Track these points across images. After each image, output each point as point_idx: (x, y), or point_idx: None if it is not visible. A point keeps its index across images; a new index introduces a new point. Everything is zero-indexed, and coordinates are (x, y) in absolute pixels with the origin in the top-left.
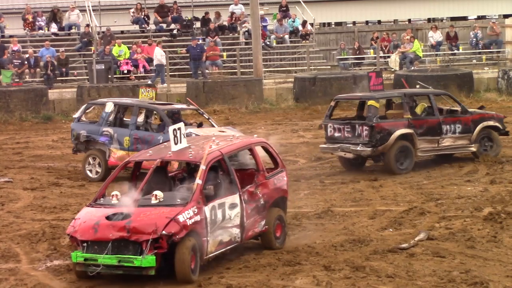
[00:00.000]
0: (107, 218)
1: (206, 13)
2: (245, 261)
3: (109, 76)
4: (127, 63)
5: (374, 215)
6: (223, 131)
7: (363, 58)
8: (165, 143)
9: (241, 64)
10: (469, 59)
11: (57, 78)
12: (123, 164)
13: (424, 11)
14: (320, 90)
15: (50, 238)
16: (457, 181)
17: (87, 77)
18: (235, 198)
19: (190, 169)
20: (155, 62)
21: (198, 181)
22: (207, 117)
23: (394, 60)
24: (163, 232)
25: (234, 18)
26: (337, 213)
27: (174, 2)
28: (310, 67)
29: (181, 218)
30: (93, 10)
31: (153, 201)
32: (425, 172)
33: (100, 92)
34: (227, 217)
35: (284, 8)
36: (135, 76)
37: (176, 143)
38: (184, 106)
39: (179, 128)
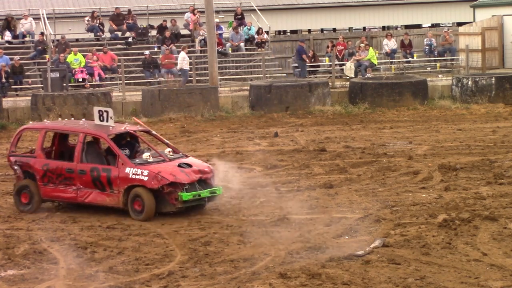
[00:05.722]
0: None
1: (164, 21)
2: (201, 269)
3: (64, 84)
4: (82, 71)
5: (330, 222)
6: None
7: (318, 66)
8: (87, 122)
9: (196, 72)
10: (424, 67)
11: (12, 87)
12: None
13: (378, 19)
14: (275, 98)
15: (4, 248)
16: (412, 188)
17: (42, 85)
18: None
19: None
20: (178, 67)
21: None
22: None
23: (349, 67)
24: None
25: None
26: (293, 221)
27: (129, 10)
28: (266, 75)
29: None
30: (47, 18)
31: (170, 156)
32: (380, 179)
33: (55, 100)
34: None
35: (240, 16)
36: (90, 85)
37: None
38: None
39: (106, 111)
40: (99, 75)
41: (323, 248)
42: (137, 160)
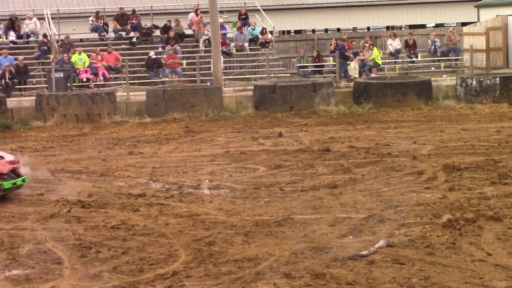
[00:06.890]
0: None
1: (168, 21)
2: (205, 269)
3: (68, 84)
4: (86, 71)
5: (334, 222)
6: None
7: (322, 66)
8: None
9: (200, 72)
10: (428, 67)
11: (16, 87)
12: None
13: (383, 19)
14: (280, 98)
15: (8, 248)
16: (416, 188)
17: (46, 85)
18: None
19: None
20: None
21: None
22: None
23: (353, 67)
24: None
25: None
26: (297, 221)
27: (133, 10)
28: (270, 75)
29: None
30: (51, 18)
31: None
32: (384, 179)
33: (59, 100)
34: None
35: (244, 16)
36: (94, 84)
37: None
38: None
39: None
40: (103, 75)
41: (327, 248)
42: None
